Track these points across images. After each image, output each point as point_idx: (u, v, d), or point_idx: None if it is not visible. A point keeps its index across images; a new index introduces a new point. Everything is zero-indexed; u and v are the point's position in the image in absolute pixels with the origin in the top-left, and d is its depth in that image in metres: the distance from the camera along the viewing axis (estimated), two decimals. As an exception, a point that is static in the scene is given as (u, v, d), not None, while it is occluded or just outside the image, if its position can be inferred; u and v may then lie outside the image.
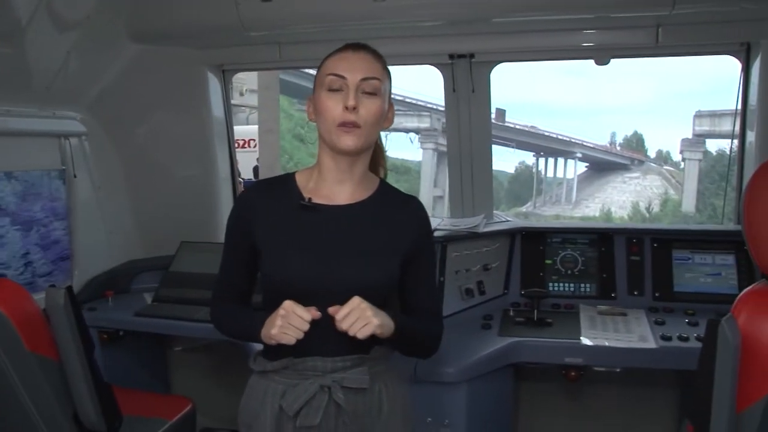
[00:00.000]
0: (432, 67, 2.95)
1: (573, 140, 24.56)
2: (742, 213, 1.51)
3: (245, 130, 13.63)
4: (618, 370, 2.25)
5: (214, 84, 3.09)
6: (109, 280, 2.90)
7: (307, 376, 1.45)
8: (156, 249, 3.05)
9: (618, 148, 25.52)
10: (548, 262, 2.64)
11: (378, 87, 1.46)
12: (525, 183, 25.66)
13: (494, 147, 3.03)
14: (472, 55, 2.80)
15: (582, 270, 2.60)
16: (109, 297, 2.79)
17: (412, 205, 1.59)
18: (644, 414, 2.65)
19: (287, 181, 1.57)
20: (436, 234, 2.41)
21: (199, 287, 2.76)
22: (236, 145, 3.44)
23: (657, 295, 2.49)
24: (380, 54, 1.52)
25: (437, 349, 1.63)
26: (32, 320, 1.84)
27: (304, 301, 1.40)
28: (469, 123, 2.91)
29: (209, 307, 1.69)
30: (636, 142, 25.60)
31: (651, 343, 2.13)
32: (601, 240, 2.63)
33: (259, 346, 1.59)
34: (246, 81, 16.80)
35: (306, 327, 1.37)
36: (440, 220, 2.73)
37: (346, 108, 1.42)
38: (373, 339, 1.42)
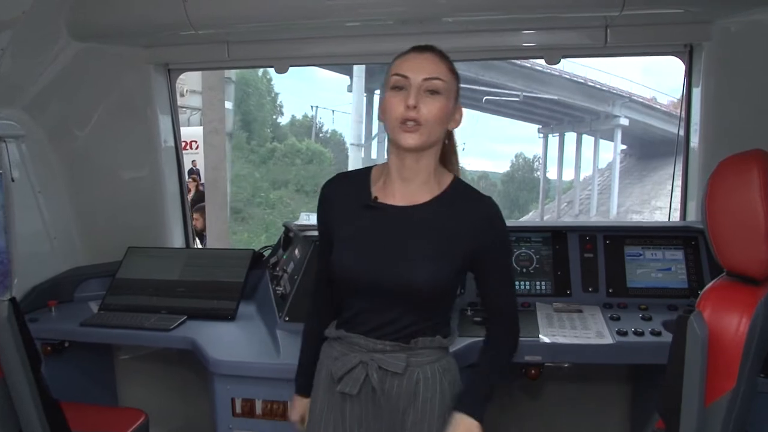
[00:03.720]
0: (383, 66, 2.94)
1: (613, 90, 18.21)
2: (703, 212, 1.53)
3: (187, 132, 13.36)
4: (566, 365, 2.27)
5: (159, 83, 3.00)
6: (51, 288, 2.76)
7: (354, 350, 1.58)
8: (101, 255, 2.93)
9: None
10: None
11: (441, 87, 1.49)
12: (524, 183, 22.08)
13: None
14: (423, 55, 2.81)
15: (537, 268, 2.63)
16: (51, 307, 2.66)
17: (481, 204, 1.59)
18: (600, 408, 2.71)
19: (363, 175, 1.65)
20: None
21: (148, 294, 2.68)
22: (181, 146, 3.34)
23: (611, 291, 2.53)
24: (447, 55, 1.55)
25: (517, 347, 1.70)
26: (-28, 335, 1.73)
27: (352, 293, 1.59)
28: None
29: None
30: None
31: (608, 339, 2.16)
32: (554, 238, 2.66)
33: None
34: (186, 81, 16.44)
35: None
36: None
37: (408, 106, 1.46)
38: (415, 331, 1.56)
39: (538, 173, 22.51)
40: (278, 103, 22.87)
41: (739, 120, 2.60)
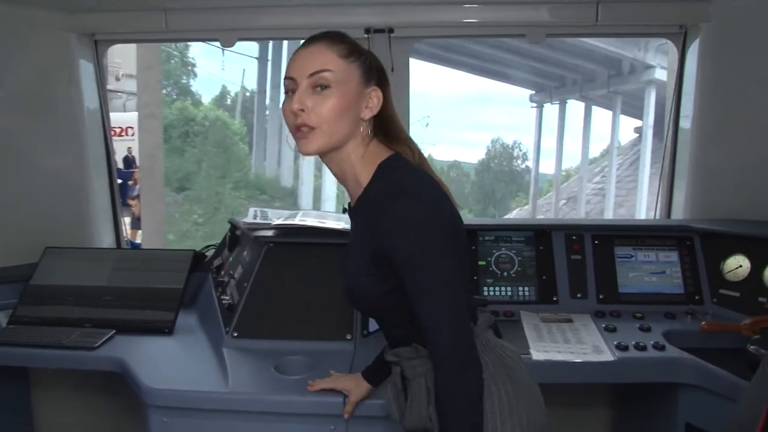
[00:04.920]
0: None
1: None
2: None
3: (123, 118, 12.64)
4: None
5: (84, 56, 2.58)
6: (-50, 297, 2.31)
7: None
8: (12, 256, 2.47)
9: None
10: (482, 263, 2.36)
11: (330, 78, 1.31)
12: (501, 174, 18.31)
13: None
14: (391, 30, 2.51)
15: (519, 272, 2.35)
16: (-51, 319, 2.22)
17: (380, 202, 1.30)
18: None
19: None
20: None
21: (69, 303, 2.27)
22: (112, 133, 2.91)
23: (601, 297, 2.27)
24: (343, 38, 1.36)
25: (458, 382, 1.25)
26: None
27: None
28: None
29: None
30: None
31: (608, 355, 1.89)
32: (538, 237, 2.39)
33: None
34: (123, 65, 15.54)
35: None
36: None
37: (293, 112, 1.31)
38: (398, 340, 1.44)
39: (518, 161, 19.30)
40: (189, 59, 19.34)
41: (735, 108, 2.41)
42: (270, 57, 15.77)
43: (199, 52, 20.03)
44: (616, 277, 2.30)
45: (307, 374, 1.76)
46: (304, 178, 14.54)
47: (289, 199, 15.44)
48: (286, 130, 1.40)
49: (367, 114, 1.36)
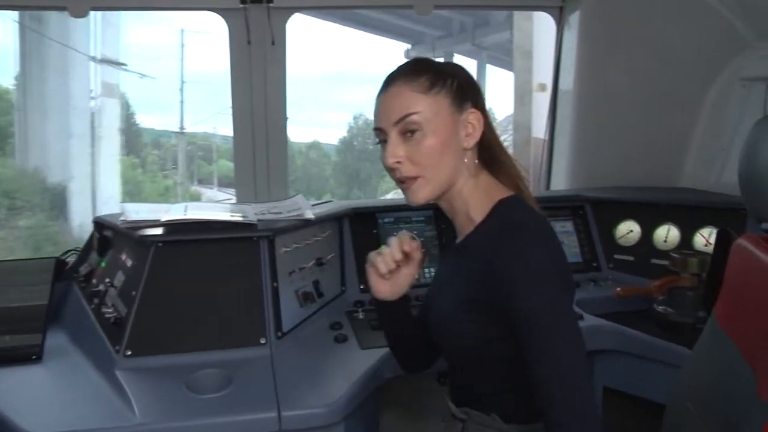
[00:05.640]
0: (212, 14, 2.38)
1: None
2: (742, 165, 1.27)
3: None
4: None
5: None
6: None
7: None
8: None
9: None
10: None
11: (417, 121, 1.18)
12: (365, 153, 16.04)
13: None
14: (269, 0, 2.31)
15: (424, 253, 2.26)
16: None
17: (504, 239, 1.14)
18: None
19: None
20: (254, 225, 1.86)
21: None
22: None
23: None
24: (419, 69, 1.21)
25: None
26: None
27: None
28: (264, 84, 2.40)
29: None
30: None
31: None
32: (438, 216, 2.32)
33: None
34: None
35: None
36: (250, 206, 2.15)
37: (389, 168, 1.23)
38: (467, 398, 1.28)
39: None
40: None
41: (610, 81, 2.50)
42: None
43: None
44: (521, 251, 2.30)
45: (226, 390, 1.54)
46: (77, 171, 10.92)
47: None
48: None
49: (470, 141, 1.22)
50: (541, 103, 4.65)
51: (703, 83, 2.48)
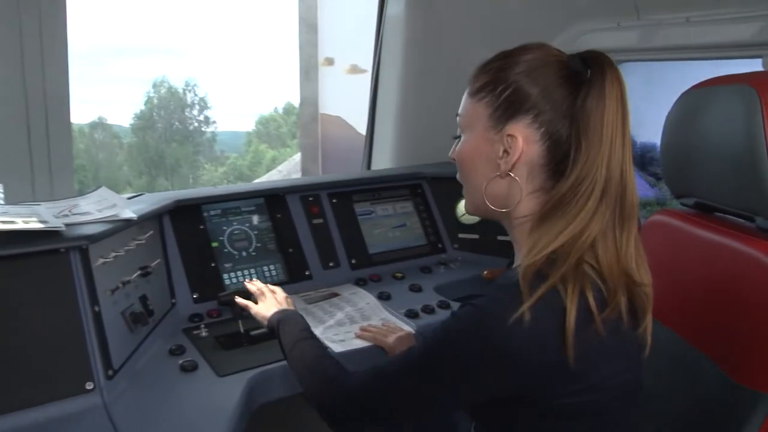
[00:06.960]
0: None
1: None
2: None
3: None
4: None
5: None
6: None
7: None
8: None
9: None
10: (214, 245, 1.89)
11: (460, 123, 1.06)
12: (176, 131, 11.77)
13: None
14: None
15: (259, 248, 1.95)
16: None
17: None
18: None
19: None
20: (60, 233, 1.39)
21: None
22: None
23: (354, 262, 2.05)
24: (483, 67, 1.02)
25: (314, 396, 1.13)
26: None
27: None
28: (40, 41, 1.87)
29: None
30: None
31: (407, 325, 1.68)
32: (271, 204, 2.02)
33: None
34: None
35: None
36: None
37: None
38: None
39: (194, 111, 13.08)
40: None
41: (430, 59, 2.40)
42: None
43: None
44: (363, 238, 2.11)
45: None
46: None
47: None
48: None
49: (505, 167, 0.97)
50: (328, 77, 4.49)
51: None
